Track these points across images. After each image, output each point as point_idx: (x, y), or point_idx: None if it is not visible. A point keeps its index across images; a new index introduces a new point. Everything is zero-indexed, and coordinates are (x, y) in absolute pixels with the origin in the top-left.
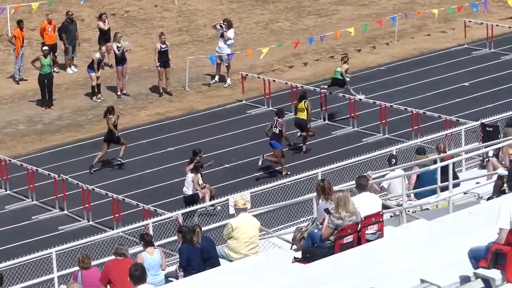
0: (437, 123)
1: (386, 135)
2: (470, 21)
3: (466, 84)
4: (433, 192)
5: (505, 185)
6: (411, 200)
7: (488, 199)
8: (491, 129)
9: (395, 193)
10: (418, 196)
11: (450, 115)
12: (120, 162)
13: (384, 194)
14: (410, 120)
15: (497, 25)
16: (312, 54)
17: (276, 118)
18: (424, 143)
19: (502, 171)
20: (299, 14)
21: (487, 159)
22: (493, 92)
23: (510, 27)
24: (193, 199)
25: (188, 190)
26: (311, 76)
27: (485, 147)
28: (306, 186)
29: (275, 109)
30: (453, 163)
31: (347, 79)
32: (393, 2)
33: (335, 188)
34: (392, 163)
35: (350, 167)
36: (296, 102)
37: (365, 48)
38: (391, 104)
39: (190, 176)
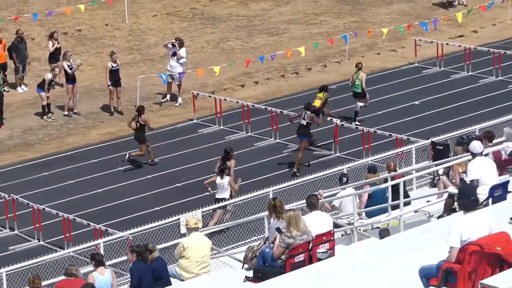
0: (388, 142)
1: (337, 154)
2: (420, 40)
3: (416, 102)
4: (384, 210)
5: (455, 203)
6: (362, 219)
7: (439, 217)
8: (441, 147)
9: (346, 211)
10: (369, 214)
11: (401, 134)
12: (154, 163)
13: (335, 213)
14: (361, 139)
15: (447, 44)
16: (263, 73)
17: (305, 110)
18: (375, 161)
19: (453, 189)
20: (250, 33)
21: (437, 178)
22: (444, 111)
23: (460, 46)
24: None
25: (220, 194)
26: (262, 95)
27: (435, 166)
28: (258, 204)
29: (304, 103)
30: (404, 182)
31: (364, 85)
32: (343, 20)
33: (287, 207)
34: (343, 181)
35: (301, 185)
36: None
37: (316, 66)
38: (342, 123)
39: (226, 180)
